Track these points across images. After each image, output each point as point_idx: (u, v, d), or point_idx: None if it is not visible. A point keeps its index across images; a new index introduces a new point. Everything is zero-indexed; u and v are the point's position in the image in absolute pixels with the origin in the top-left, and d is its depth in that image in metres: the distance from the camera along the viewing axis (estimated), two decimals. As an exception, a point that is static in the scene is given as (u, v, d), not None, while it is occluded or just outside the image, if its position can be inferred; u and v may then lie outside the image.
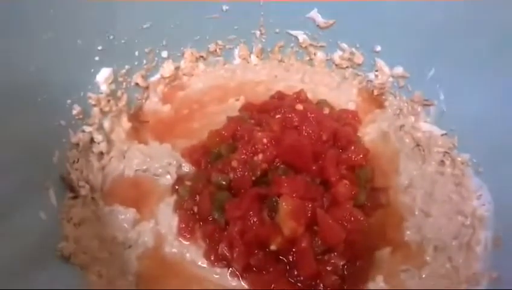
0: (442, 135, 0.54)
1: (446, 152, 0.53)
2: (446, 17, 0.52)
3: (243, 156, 0.47)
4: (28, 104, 0.44)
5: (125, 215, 0.46)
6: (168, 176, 0.50)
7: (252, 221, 0.44)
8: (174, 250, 0.45)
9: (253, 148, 0.47)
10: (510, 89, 0.48)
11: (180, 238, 0.46)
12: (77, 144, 0.49)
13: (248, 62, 0.63)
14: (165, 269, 0.44)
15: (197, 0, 0.56)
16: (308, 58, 0.63)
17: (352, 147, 0.50)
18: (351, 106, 0.60)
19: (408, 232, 0.48)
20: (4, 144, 0.40)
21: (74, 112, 0.49)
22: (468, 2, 0.50)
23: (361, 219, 0.45)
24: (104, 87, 0.52)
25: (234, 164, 0.46)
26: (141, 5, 0.53)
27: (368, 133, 0.57)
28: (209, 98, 0.59)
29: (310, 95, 0.58)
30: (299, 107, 0.50)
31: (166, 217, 0.47)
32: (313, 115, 0.49)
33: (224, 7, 0.58)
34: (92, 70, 0.52)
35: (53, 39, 0.46)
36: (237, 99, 0.59)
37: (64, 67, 0.48)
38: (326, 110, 0.53)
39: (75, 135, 0.49)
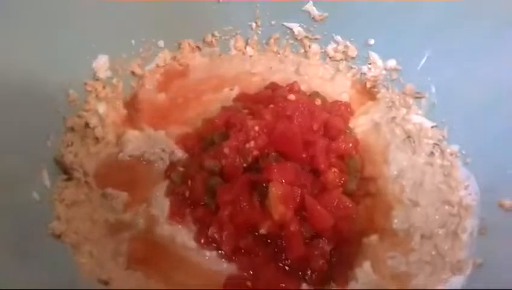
0: (432, 127, 0.55)
1: (436, 144, 0.54)
2: (438, 12, 0.53)
3: (235, 143, 0.47)
4: (25, 88, 0.45)
5: (117, 198, 0.47)
6: (161, 162, 0.51)
7: (242, 205, 0.45)
8: (165, 233, 0.46)
9: (245, 135, 0.47)
10: (499, 82, 0.49)
11: (171, 222, 0.47)
12: (72, 128, 0.50)
13: (244, 53, 0.64)
14: (155, 251, 0.45)
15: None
16: (303, 50, 0.64)
17: (342, 137, 0.51)
18: (345, 98, 0.61)
19: (396, 221, 0.49)
20: (0, 127, 0.41)
21: (70, 97, 0.50)
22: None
23: (350, 205, 0.46)
24: (100, 74, 0.53)
25: (226, 150, 0.47)
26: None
27: (360, 124, 0.57)
28: (205, 87, 0.60)
29: (304, 87, 0.59)
30: (292, 97, 0.51)
31: (159, 201, 0.48)
32: (304, 106, 0.50)
33: (221, -1, 0.59)
34: (89, 57, 0.53)
35: (51, 26, 0.47)
36: (232, 89, 0.60)
37: (62, 54, 0.49)
38: (318, 102, 0.53)
39: (70, 119, 0.50)
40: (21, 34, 0.45)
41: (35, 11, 0.46)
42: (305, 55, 0.64)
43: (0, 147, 0.41)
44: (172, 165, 0.51)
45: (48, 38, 0.47)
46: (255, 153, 0.47)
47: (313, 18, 0.61)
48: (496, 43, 0.49)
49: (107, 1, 0.51)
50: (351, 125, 0.57)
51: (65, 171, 0.47)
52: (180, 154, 0.52)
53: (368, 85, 0.61)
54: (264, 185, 0.45)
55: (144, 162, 0.51)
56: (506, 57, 0.49)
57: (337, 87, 0.62)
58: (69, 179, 0.47)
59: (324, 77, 0.62)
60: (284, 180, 0.45)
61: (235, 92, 0.59)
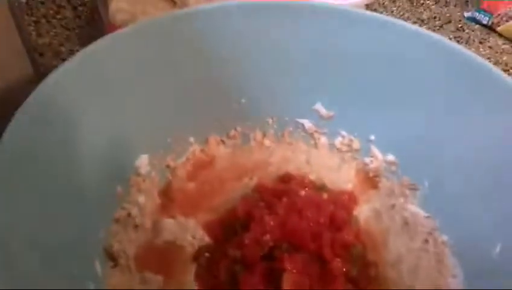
0: (426, 217, 0.63)
1: (429, 232, 0.62)
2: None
3: (254, 236, 0.56)
4: (80, 187, 0.55)
5: (154, 281, 0.56)
6: (191, 248, 0.60)
7: (260, 291, 0.53)
8: (194, 314, 0.54)
9: (263, 228, 0.56)
10: (485, 181, 0.57)
11: (199, 303, 0.55)
12: (118, 219, 0.59)
13: (262, 144, 0.73)
14: (186, 330, 0.53)
15: (220, 97, 0.68)
16: (313, 142, 0.73)
17: (346, 229, 0.59)
18: (349, 186, 0.69)
19: (394, 304, 0.56)
20: (59, 223, 0.50)
21: (118, 192, 0.60)
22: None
23: (352, 292, 0.54)
24: (142, 170, 0.63)
25: (247, 241, 0.56)
26: (173, 103, 0.64)
27: (363, 211, 0.66)
28: (228, 176, 0.69)
29: (313, 176, 0.69)
30: (302, 193, 0.60)
31: (188, 285, 0.56)
32: (312, 201, 0.59)
33: (243, 100, 0.70)
34: (132, 157, 0.63)
35: (104, 134, 0.58)
36: (251, 178, 0.69)
37: (111, 157, 0.59)
38: (325, 195, 0.62)
39: (117, 212, 0.59)
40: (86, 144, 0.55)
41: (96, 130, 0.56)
42: (315, 146, 0.73)
43: (56, 244, 0.49)
44: (200, 250, 0.60)
45: (100, 144, 0.57)
46: (270, 244, 0.55)
47: (321, 115, 0.71)
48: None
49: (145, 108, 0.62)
50: (355, 213, 0.65)
51: (112, 258, 0.56)
52: (206, 240, 0.61)
53: (371, 174, 0.70)
54: (279, 273, 0.53)
55: (176, 247, 0.60)
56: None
57: (342, 175, 0.70)
58: (115, 265, 0.56)
59: (331, 167, 0.71)
60: (295, 270, 0.53)
61: (254, 181, 0.68)
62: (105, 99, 0.57)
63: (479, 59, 0.59)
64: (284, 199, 0.60)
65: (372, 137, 0.69)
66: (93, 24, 0.57)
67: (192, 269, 0.58)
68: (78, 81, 0.54)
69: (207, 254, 0.59)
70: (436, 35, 0.62)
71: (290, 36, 0.66)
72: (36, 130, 0.49)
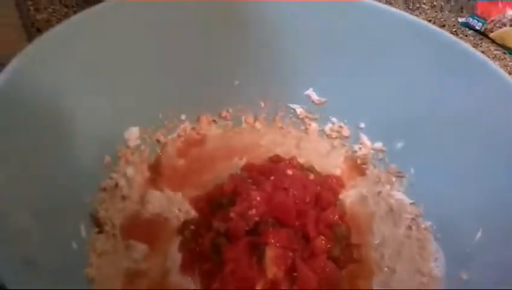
0: (410, 203, 0.64)
1: (413, 219, 0.63)
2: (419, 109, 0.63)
3: (239, 210, 0.56)
4: (69, 156, 0.55)
5: (138, 249, 0.56)
6: (176, 220, 0.60)
7: (242, 263, 0.53)
8: (177, 282, 0.54)
9: (248, 204, 0.57)
10: (468, 169, 0.58)
11: (182, 274, 0.55)
12: (104, 189, 0.59)
13: (253, 127, 0.74)
14: (167, 296, 0.53)
15: (214, 77, 0.68)
16: (303, 127, 0.74)
17: (331, 208, 0.59)
18: (338, 172, 0.70)
19: (376, 285, 0.57)
20: (48, 187, 0.50)
21: (105, 161, 0.60)
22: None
23: (333, 269, 0.54)
24: (131, 142, 0.64)
25: (232, 215, 0.56)
26: (167, 79, 0.65)
27: (350, 196, 0.67)
28: (218, 155, 0.70)
29: (302, 160, 0.69)
30: (289, 172, 0.61)
31: (173, 254, 0.56)
32: (299, 180, 0.60)
33: (236, 82, 0.70)
34: (122, 128, 0.63)
35: (93, 105, 0.58)
36: (241, 159, 0.70)
37: (100, 126, 0.59)
38: (312, 176, 0.63)
39: (104, 181, 0.59)
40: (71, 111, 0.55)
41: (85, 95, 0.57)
42: (306, 131, 0.74)
43: (46, 206, 0.50)
44: (186, 223, 0.60)
45: (90, 114, 0.58)
46: (256, 218, 0.56)
47: (312, 101, 0.72)
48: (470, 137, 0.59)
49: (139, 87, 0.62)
50: (341, 196, 0.66)
51: (98, 224, 0.56)
52: (192, 214, 0.61)
53: (359, 161, 0.71)
54: (262, 247, 0.54)
55: (162, 219, 0.60)
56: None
57: (331, 161, 0.71)
58: (101, 231, 0.56)
59: (320, 152, 0.72)
60: (278, 244, 0.54)
61: (243, 161, 0.69)
62: (96, 70, 0.57)
63: (469, 49, 0.60)
64: (272, 177, 0.61)
65: (362, 125, 0.70)
66: (92, 2, 0.58)
67: (176, 240, 0.58)
68: (68, 50, 0.54)
69: (192, 227, 0.59)
70: (425, 24, 0.63)
71: (285, 23, 0.68)
72: (24, 98, 0.49)
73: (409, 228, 0.62)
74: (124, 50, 0.60)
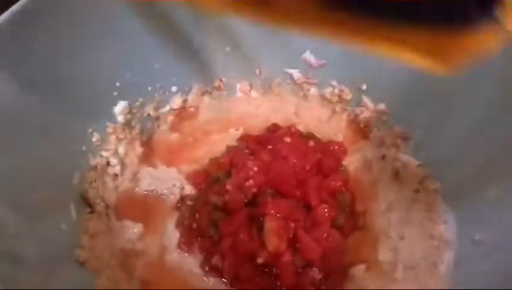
0: (418, 165, 0.61)
1: (420, 181, 0.60)
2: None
3: (236, 181, 0.54)
4: (55, 132, 0.52)
5: (133, 229, 0.53)
6: (173, 196, 0.57)
7: (241, 237, 0.51)
8: (175, 260, 0.52)
9: (245, 174, 0.54)
10: (477, 126, 0.55)
11: (180, 250, 0.53)
12: (95, 167, 0.56)
13: (248, 96, 0.71)
14: (165, 275, 0.51)
15: (203, 44, 0.64)
16: (302, 93, 0.70)
17: (333, 175, 0.56)
18: (339, 137, 0.67)
19: (382, 252, 0.54)
20: (32, 165, 0.48)
21: (94, 139, 0.57)
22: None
23: (337, 238, 0.52)
24: (120, 118, 0.60)
25: (229, 187, 0.53)
26: (153, 48, 0.61)
27: (353, 161, 0.63)
28: (212, 127, 0.67)
29: (302, 127, 0.66)
30: (287, 140, 0.58)
31: (169, 232, 0.54)
32: (298, 147, 0.56)
33: (227, 48, 0.66)
34: (111, 103, 0.60)
35: (78, 78, 0.55)
36: (237, 130, 0.66)
37: (87, 102, 0.56)
38: (311, 143, 0.59)
39: (94, 159, 0.57)
40: (54, 85, 0.52)
41: (68, 68, 0.53)
42: (304, 97, 0.70)
43: (32, 184, 0.47)
44: (182, 199, 0.58)
45: (76, 89, 0.54)
46: (254, 190, 0.53)
47: (310, 65, 0.68)
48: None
49: (127, 56, 0.59)
50: (344, 162, 0.62)
51: (89, 205, 0.53)
52: (189, 189, 0.58)
53: (361, 125, 0.67)
54: (261, 219, 0.51)
55: (157, 196, 0.58)
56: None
57: (333, 127, 0.68)
58: (92, 211, 0.53)
59: (321, 118, 0.68)
60: (278, 215, 0.51)
61: (240, 132, 0.66)
62: (83, 38, 0.54)
63: None
64: (269, 146, 0.58)
65: (364, 86, 0.66)
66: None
67: (173, 217, 0.56)
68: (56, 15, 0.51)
69: (189, 202, 0.57)
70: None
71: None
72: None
73: (417, 191, 0.59)
74: (112, 21, 0.56)
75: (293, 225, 0.50)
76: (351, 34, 0.34)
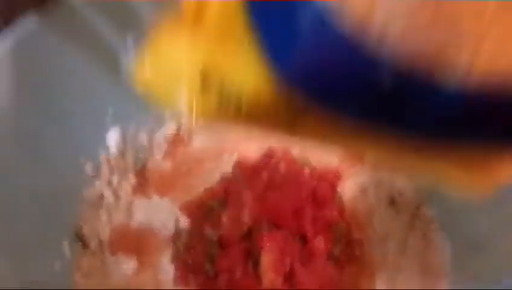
0: (414, 190, 0.60)
1: (417, 207, 0.59)
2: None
3: (232, 213, 0.53)
4: (48, 164, 0.51)
5: (127, 264, 0.53)
6: (167, 230, 0.57)
7: (238, 272, 0.50)
8: (170, 297, 0.52)
9: (241, 206, 0.53)
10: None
11: (176, 286, 0.53)
12: (89, 200, 0.56)
13: (243, 119, 0.70)
14: (161, 313, 0.51)
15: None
16: (296, 116, 0.70)
17: (329, 205, 0.56)
18: (335, 161, 0.66)
19: (379, 283, 0.54)
20: (24, 199, 0.47)
21: (86, 167, 0.56)
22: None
23: (334, 270, 0.51)
24: (113, 147, 0.60)
25: (224, 220, 0.53)
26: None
27: (348, 187, 0.63)
28: (206, 155, 0.66)
29: (297, 150, 0.65)
30: (282, 168, 0.57)
31: (164, 267, 0.54)
32: (293, 176, 0.56)
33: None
34: (103, 131, 0.59)
35: (70, 105, 0.54)
36: (231, 155, 0.66)
37: (79, 130, 0.55)
38: (307, 170, 0.59)
39: (87, 190, 0.56)
40: (44, 114, 0.52)
41: (60, 97, 0.53)
42: (299, 121, 0.69)
43: (25, 219, 0.47)
44: (177, 232, 0.57)
45: (67, 118, 0.54)
46: (249, 222, 0.53)
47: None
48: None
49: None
50: (339, 189, 0.62)
51: (82, 242, 0.53)
52: (183, 221, 0.58)
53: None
54: (257, 253, 0.51)
55: (151, 229, 0.57)
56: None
57: (328, 150, 0.67)
58: (86, 247, 0.53)
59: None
60: (274, 249, 0.50)
61: (235, 157, 0.65)
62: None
63: None
64: (264, 175, 0.57)
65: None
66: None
67: (168, 251, 0.55)
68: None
69: (184, 236, 0.56)
70: None
71: None
72: None
73: (412, 217, 0.59)
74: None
75: (289, 259, 0.50)
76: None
